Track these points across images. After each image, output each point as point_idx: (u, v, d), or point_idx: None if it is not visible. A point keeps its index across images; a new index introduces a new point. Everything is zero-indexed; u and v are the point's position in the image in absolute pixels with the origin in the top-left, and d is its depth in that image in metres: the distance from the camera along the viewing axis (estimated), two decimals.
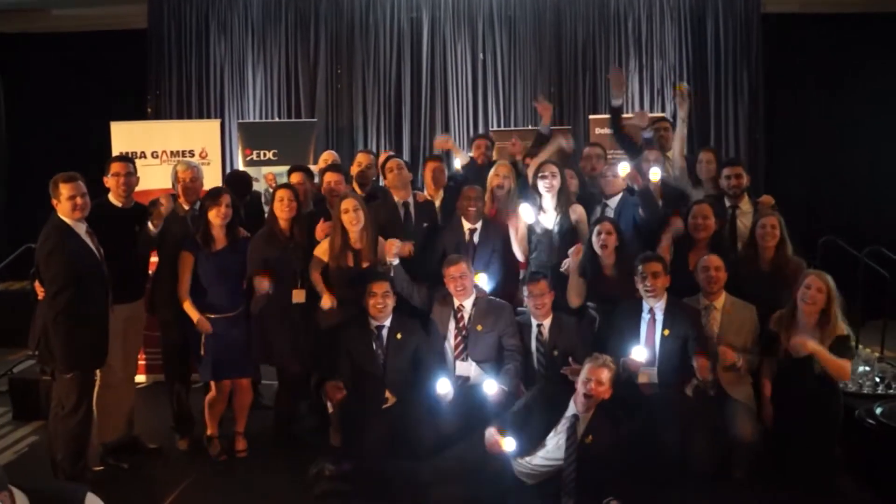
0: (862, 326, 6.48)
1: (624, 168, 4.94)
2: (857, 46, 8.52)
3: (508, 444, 3.95)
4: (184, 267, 4.52)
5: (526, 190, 5.20)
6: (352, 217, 4.62)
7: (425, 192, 5.47)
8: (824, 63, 8.57)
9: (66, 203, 4.01)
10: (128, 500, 4.18)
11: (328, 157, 6.15)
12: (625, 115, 6.15)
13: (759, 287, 4.54)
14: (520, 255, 5.02)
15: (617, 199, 5.16)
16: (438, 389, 4.35)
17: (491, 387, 4.34)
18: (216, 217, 4.51)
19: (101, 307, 4.17)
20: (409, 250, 4.80)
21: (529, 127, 8.46)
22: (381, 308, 4.54)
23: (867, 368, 4.87)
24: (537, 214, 4.92)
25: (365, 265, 4.70)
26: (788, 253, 4.66)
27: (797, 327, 4.17)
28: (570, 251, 4.78)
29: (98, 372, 4.48)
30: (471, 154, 6.19)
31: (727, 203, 5.17)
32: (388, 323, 4.60)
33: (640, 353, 4.28)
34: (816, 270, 4.25)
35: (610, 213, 5.09)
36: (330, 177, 5.24)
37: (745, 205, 5.15)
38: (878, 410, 4.22)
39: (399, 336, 4.60)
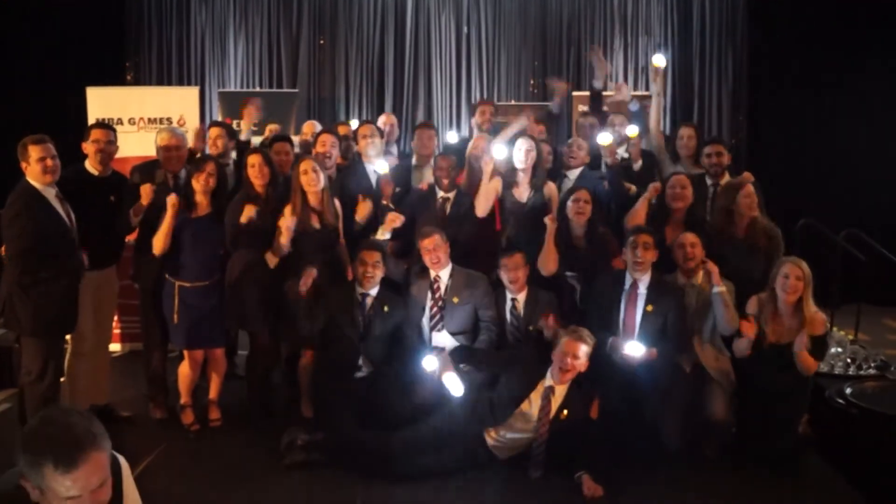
0: (837, 309, 6.53)
1: (605, 138, 4.88)
2: (843, 29, 8.49)
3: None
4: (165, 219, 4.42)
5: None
6: (311, 178, 4.58)
7: (414, 158, 5.48)
8: (809, 45, 8.54)
9: (36, 165, 3.94)
10: None
11: (309, 128, 6.08)
12: (606, 93, 6.12)
13: (734, 255, 4.54)
14: (479, 210, 4.89)
15: (577, 171, 5.17)
16: (425, 365, 4.30)
17: (457, 389, 4.19)
18: (197, 183, 4.47)
19: (70, 273, 4.10)
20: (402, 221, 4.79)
21: (512, 102, 8.43)
22: (370, 277, 4.53)
23: (839, 350, 4.91)
24: (508, 152, 4.85)
25: (331, 227, 4.69)
26: (761, 219, 4.69)
27: (779, 315, 4.19)
28: (546, 219, 4.66)
29: (69, 339, 4.45)
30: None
31: (708, 181, 5.15)
32: (373, 292, 4.60)
33: (635, 348, 4.17)
34: (793, 258, 4.25)
35: (569, 184, 5.10)
36: (280, 146, 5.21)
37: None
38: (848, 391, 4.26)
39: (386, 308, 4.59)
